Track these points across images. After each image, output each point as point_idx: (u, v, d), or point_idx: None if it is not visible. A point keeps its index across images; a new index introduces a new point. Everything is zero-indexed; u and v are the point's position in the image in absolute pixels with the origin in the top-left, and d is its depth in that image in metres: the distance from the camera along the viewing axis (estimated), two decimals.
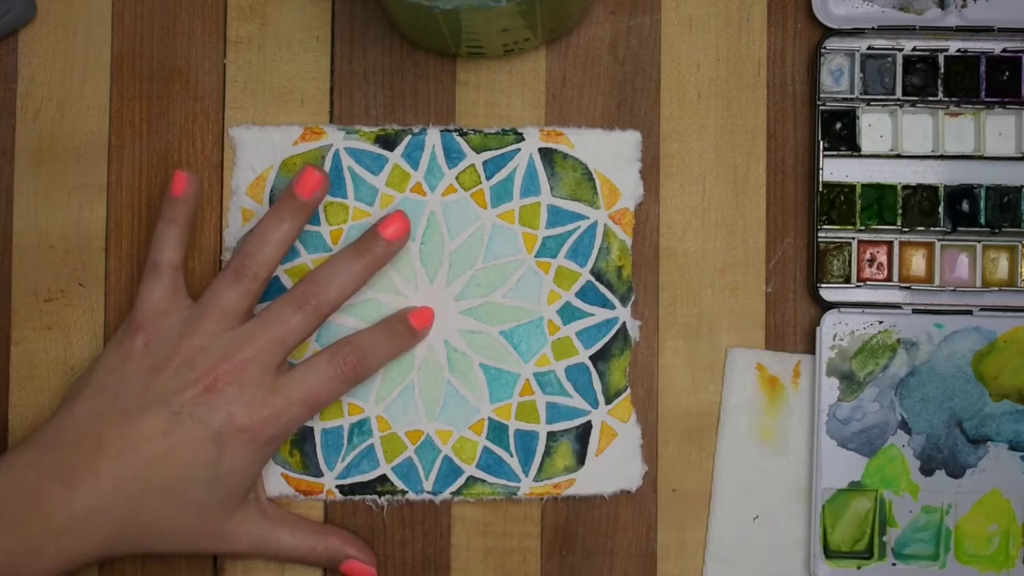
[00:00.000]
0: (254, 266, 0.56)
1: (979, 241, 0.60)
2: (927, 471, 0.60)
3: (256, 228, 0.57)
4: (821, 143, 0.60)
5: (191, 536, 0.56)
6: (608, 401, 0.60)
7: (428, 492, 0.60)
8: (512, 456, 0.60)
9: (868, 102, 0.60)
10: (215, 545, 0.56)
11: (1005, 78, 0.60)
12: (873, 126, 0.61)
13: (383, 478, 0.60)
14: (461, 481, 0.60)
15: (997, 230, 0.60)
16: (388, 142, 0.61)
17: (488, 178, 0.61)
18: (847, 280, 0.60)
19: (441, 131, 0.61)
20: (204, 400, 0.55)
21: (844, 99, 0.60)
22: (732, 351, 0.60)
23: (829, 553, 0.60)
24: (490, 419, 0.60)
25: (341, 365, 0.57)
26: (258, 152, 0.61)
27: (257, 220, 0.60)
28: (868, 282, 0.60)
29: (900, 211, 0.60)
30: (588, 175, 0.61)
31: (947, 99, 0.60)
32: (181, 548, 0.56)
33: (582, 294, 0.61)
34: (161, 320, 0.57)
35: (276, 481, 0.60)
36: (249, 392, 0.55)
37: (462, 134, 0.61)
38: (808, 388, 0.60)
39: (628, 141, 0.61)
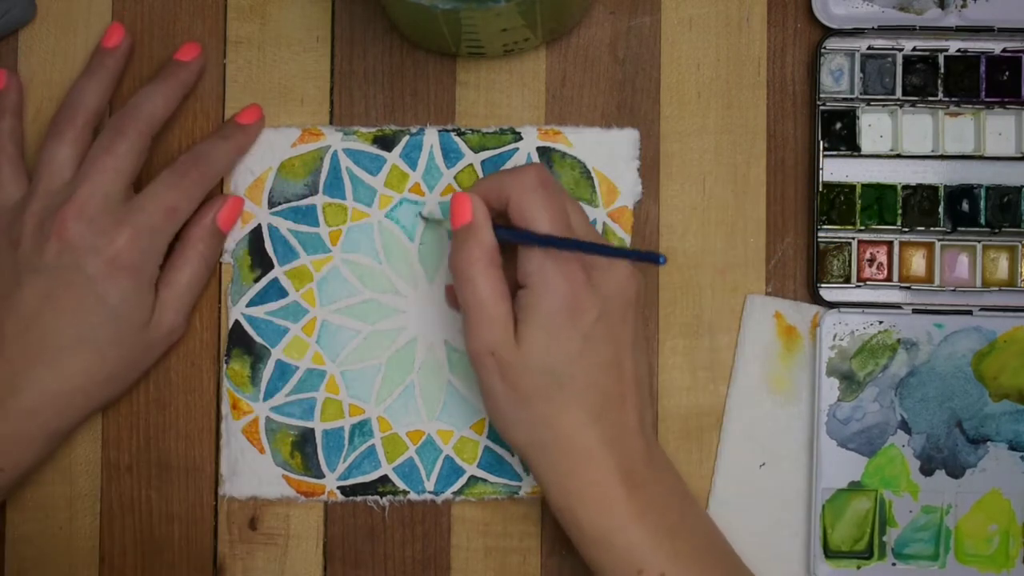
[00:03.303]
0: (73, 115, 0.58)
1: (979, 241, 0.60)
2: (927, 471, 0.60)
3: (72, 86, 0.59)
4: (821, 143, 0.60)
5: (129, 366, 0.58)
6: None
7: (430, 492, 0.60)
8: (513, 455, 0.60)
9: (868, 102, 0.60)
10: (155, 352, 0.59)
11: (1005, 78, 0.60)
12: (873, 126, 0.61)
13: (384, 479, 0.60)
14: (463, 481, 0.60)
15: (997, 230, 0.60)
16: (386, 142, 0.61)
17: None
18: (847, 280, 0.60)
19: (439, 131, 0.61)
20: (63, 248, 0.55)
21: (844, 99, 0.60)
22: (751, 297, 0.60)
23: (829, 553, 0.60)
24: None
25: (181, 168, 0.57)
26: (256, 154, 0.61)
27: (256, 222, 0.60)
28: (868, 282, 0.60)
29: (900, 211, 0.60)
30: (586, 173, 0.61)
31: (947, 99, 0.60)
32: (129, 377, 0.58)
33: None
34: (8, 205, 0.58)
35: (277, 483, 0.60)
36: (101, 223, 0.56)
37: (460, 134, 0.61)
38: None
39: (626, 139, 0.61)
